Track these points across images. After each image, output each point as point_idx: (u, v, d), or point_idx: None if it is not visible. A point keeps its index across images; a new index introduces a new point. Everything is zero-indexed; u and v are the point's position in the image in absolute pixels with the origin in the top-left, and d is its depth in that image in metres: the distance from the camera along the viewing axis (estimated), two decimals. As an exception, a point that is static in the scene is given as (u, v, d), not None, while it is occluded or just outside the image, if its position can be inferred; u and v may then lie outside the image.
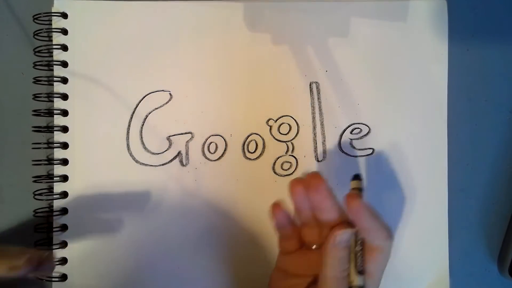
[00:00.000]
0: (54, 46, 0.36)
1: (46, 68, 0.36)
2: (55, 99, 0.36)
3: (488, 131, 0.38)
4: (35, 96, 0.36)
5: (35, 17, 0.36)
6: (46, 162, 0.36)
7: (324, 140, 0.37)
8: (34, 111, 0.36)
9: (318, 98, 0.37)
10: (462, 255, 0.39)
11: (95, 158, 0.36)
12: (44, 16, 0.36)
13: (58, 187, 0.36)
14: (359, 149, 0.37)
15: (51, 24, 0.36)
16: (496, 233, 0.39)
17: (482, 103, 0.38)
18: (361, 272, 0.28)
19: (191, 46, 0.37)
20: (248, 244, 0.37)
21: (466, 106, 0.38)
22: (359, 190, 0.29)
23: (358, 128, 0.37)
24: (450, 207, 0.38)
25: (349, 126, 0.37)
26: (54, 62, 0.36)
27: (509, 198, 0.39)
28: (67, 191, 0.36)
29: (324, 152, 0.37)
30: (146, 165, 0.37)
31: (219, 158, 0.37)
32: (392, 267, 0.30)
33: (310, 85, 0.37)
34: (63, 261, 0.36)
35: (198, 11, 0.37)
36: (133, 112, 0.37)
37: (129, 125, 0.37)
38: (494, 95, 0.38)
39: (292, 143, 0.37)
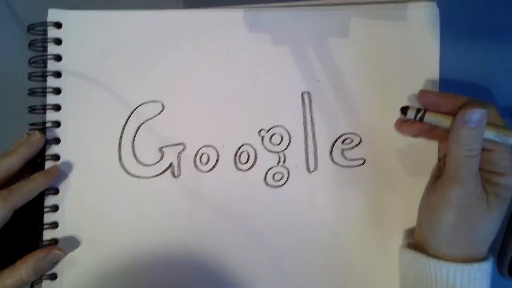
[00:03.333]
0: (48, 56, 0.36)
1: (40, 79, 0.36)
2: (47, 110, 0.36)
3: None
4: (30, 108, 0.36)
5: (29, 27, 0.36)
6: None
7: (316, 151, 0.37)
8: (30, 124, 0.36)
9: (310, 108, 0.38)
10: None
11: (86, 170, 0.36)
12: (38, 26, 0.36)
13: (49, 200, 0.36)
14: (351, 159, 0.37)
15: (45, 34, 0.37)
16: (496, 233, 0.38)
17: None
18: None
19: (183, 57, 0.37)
20: (240, 255, 0.37)
21: None
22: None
23: (350, 138, 0.38)
24: None
25: (340, 136, 0.37)
26: (48, 72, 0.36)
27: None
28: (58, 204, 0.36)
29: (316, 162, 0.37)
30: (138, 176, 0.37)
31: (211, 169, 0.37)
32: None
33: (302, 95, 0.38)
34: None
35: (191, 21, 0.37)
36: (125, 123, 0.37)
37: (121, 136, 0.37)
38: (494, 95, 0.38)
39: (284, 154, 0.37)
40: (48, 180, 0.35)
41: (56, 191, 0.36)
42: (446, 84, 0.38)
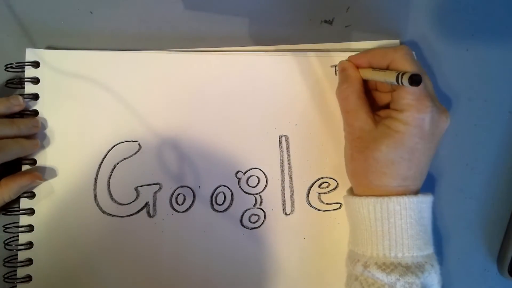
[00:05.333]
0: (25, 96, 0.36)
1: (17, 115, 0.36)
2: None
3: (488, 131, 0.38)
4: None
5: (7, 66, 0.36)
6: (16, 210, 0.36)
7: (293, 194, 0.37)
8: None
9: (287, 152, 0.37)
10: (462, 255, 0.38)
11: (62, 208, 0.36)
12: (16, 65, 0.36)
13: (24, 237, 0.36)
14: (327, 203, 0.37)
15: (23, 72, 0.37)
16: (496, 233, 0.39)
17: (482, 103, 0.38)
18: None
19: (160, 97, 0.37)
20: (213, 298, 0.37)
21: (466, 106, 0.38)
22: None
23: (327, 182, 0.37)
24: (450, 207, 0.38)
25: (317, 180, 0.37)
26: (25, 111, 0.36)
27: (508, 198, 0.39)
28: (32, 241, 0.36)
29: (292, 205, 0.37)
30: (113, 215, 0.37)
31: (187, 209, 0.37)
32: None
33: (279, 138, 0.37)
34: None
35: (167, 62, 0.37)
36: (101, 162, 0.37)
37: (96, 175, 0.37)
38: (494, 95, 0.38)
39: (260, 196, 0.37)
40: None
41: (31, 228, 0.36)
42: (446, 84, 0.38)
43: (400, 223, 0.31)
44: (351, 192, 0.36)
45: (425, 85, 0.31)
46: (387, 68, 0.32)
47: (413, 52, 0.33)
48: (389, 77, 0.30)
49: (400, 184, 0.32)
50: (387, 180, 0.32)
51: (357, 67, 0.35)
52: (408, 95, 0.31)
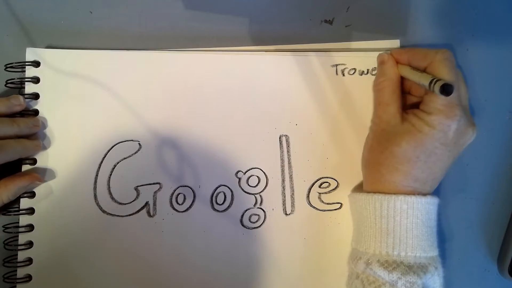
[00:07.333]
0: (26, 96, 0.36)
1: (18, 115, 0.36)
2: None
3: (488, 131, 0.38)
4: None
5: (7, 66, 0.36)
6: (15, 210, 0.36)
7: (293, 194, 0.37)
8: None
9: (288, 152, 0.37)
10: (462, 255, 0.38)
11: (62, 208, 0.36)
12: (16, 65, 0.36)
13: (24, 237, 0.36)
14: (328, 203, 0.37)
15: (23, 72, 0.37)
16: (496, 233, 0.39)
17: (482, 103, 0.38)
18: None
19: (161, 97, 0.37)
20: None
21: None
22: None
23: (327, 182, 0.37)
24: (450, 207, 0.38)
25: (317, 180, 0.37)
26: (25, 111, 0.36)
27: (509, 198, 0.39)
28: (32, 241, 0.36)
29: (293, 205, 0.37)
30: (113, 215, 0.37)
31: (187, 209, 0.37)
32: None
33: (280, 138, 0.37)
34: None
35: (167, 62, 0.37)
36: (101, 162, 0.37)
37: (96, 175, 0.37)
38: (494, 95, 0.38)
39: (260, 196, 0.37)
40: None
41: (31, 228, 0.36)
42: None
43: (406, 222, 0.31)
44: (357, 189, 0.36)
45: (459, 94, 0.31)
46: (425, 70, 0.32)
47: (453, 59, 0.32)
48: (423, 80, 0.30)
49: (409, 184, 0.32)
50: (398, 177, 0.32)
51: (397, 62, 0.35)
52: (439, 99, 0.31)
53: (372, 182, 0.33)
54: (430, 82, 0.29)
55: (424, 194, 0.32)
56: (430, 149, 0.31)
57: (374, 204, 0.32)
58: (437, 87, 0.29)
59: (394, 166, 0.32)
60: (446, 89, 0.28)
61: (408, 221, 0.31)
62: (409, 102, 0.35)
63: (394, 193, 0.32)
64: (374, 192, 0.33)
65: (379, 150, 0.33)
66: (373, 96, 0.36)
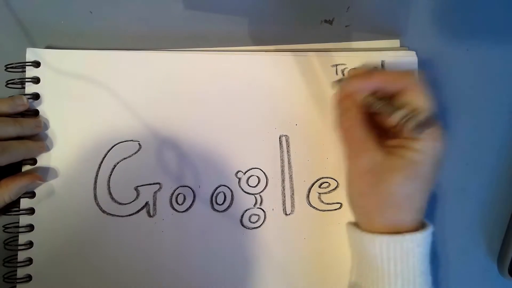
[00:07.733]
0: (27, 96, 0.36)
1: (19, 115, 0.36)
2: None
3: (488, 131, 0.38)
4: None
5: (7, 66, 0.36)
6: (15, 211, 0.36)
7: (293, 194, 0.37)
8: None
9: (288, 152, 0.37)
10: (461, 255, 0.38)
11: (62, 208, 0.36)
12: (16, 65, 0.36)
13: (24, 237, 0.36)
14: (328, 203, 0.37)
15: (24, 72, 0.37)
16: (496, 233, 0.39)
17: (482, 103, 0.38)
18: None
19: (161, 97, 0.37)
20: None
21: (466, 106, 0.38)
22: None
23: (327, 182, 0.37)
24: (450, 207, 0.38)
25: (317, 180, 0.37)
26: (26, 111, 0.36)
27: (509, 198, 0.39)
28: (32, 241, 0.36)
29: (293, 205, 0.37)
30: (113, 215, 0.37)
31: (187, 209, 0.37)
32: None
33: (279, 138, 0.37)
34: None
35: (167, 62, 0.37)
36: (101, 162, 0.37)
37: (96, 175, 0.37)
38: (494, 95, 0.38)
39: (260, 196, 0.37)
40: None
41: (31, 228, 0.36)
42: (446, 84, 0.38)
43: (413, 261, 0.30)
44: (357, 224, 0.33)
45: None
46: (392, 97, 0.31)
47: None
48: (397, 115, 0.29)
49: (413, 217, 0.31)
50: (402, 215, 0.30)
51: (362, 87, 0.32)
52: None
53: (371, 224, 0.31)
54: (405, 116, 0.28)
55: (422, 221, 0.32)
56: (425, 175, 0.30)
57: (380, 245, 0.30)
58: (411, 124, 0.27)
59: (396, 206, 0.30)
60: (427, 125, 0.27)
61: (415, 259, 0.30)
62: (379, 124, 0.33)
63: (399, 231, 0.30)
64: (378, 233, 0.30)
65: (374, 193, 0.30)
66: (341, 138, 0.33)
